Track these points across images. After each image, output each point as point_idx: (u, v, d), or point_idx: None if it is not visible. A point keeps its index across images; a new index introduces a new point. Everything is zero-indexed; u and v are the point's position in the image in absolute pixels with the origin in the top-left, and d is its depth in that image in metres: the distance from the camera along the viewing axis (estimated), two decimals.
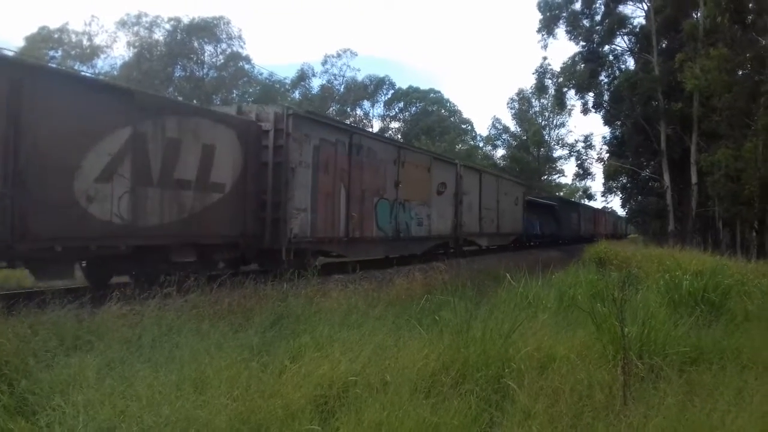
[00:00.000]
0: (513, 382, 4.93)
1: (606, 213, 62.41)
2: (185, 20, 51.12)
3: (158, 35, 51.00)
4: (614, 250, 23.46)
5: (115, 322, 6.30)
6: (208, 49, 53.57)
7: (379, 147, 16.56)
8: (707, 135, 32.01)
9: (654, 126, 35.80)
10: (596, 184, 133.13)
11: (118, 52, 52.32)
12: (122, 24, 50.73)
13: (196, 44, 52.15)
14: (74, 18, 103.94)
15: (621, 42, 41.01)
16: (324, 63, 63.77)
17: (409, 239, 17.99)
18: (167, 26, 50.78)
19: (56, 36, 50.59)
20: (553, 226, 38.53)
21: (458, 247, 22.15)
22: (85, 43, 51.74)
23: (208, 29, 51.92)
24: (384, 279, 12.80)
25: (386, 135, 53.08)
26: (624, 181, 44.19)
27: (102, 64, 51.53)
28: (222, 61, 53.99)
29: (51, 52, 48.96)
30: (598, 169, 49.14)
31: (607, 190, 47.30)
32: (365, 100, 67.11)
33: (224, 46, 54.11)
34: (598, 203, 58.26)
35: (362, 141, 15.38)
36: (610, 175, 43.13)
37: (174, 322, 6.46)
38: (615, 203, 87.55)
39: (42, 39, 49.20)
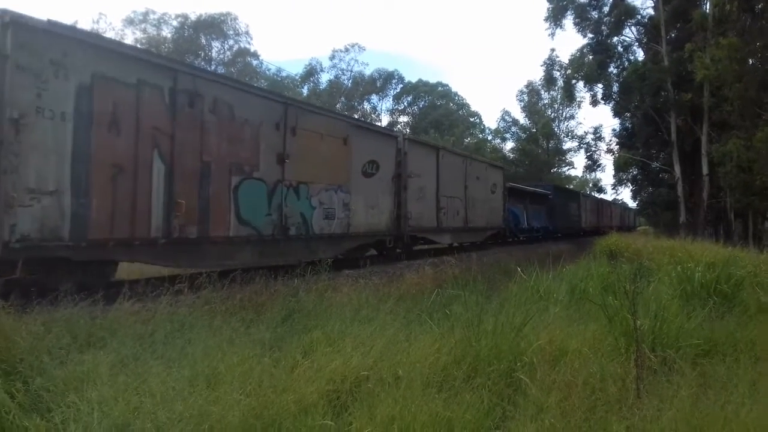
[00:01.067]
0: (525, 375, 4.92)
1: (612, 204, 60.11)
2: (192, 17, 51.31)
3: (166, 32, 51.23)
4: (625, 242, 23.31)
5: (128, 318, 6.33)
6: (216, 45, 53.73)
7: (243, 101, 10.81)
8: (718, 125, 31.86)
9: (664, 117, 35.66)
10: (606, 176, 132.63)
11: None
12: (129, 21, 50.95)
13: (203, 41, 52.27)
14: (83, 16, 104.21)
15: (629, 33, 40.93)
16: (332, 58, 63.89)
17: (310, 238, 12.62)
18: (175, 23, 50.98)
19: None
20: (546, 219, 33.77)
21: (405, 247, 16.79)
22: None
23: (215, 25, 52.04)
24: (394, 274, 12.79)
25: (395, 128, 52.95)
26: (634, 172, 44.08)
27: None
28: (230, 57, 54.08)
29: None
30: (608, 161, 49.04)
31: (618, 182, 47.23)
32: (374, 94, 67.09)
33: (231, 42, 54.25)
34: (608, 195, 57.85)
35: (202, 88, 9.89)
36: (620, 167, 43.07)
37: (186, 319, 6.50)
38: (625, 195, 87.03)
39: None
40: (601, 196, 56.73)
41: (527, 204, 30.92)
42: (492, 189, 24.51)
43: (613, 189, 50.22)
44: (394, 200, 16.10)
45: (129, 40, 49.35)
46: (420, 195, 17.69)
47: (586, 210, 44.27)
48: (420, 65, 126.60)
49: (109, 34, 51.23)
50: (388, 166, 15.88)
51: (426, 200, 18.10)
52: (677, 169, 34.99)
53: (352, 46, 63.88)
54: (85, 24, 50.47)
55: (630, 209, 68.75)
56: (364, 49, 65.18)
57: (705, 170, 32.97)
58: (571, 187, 63.61)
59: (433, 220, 18.66)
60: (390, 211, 15.86)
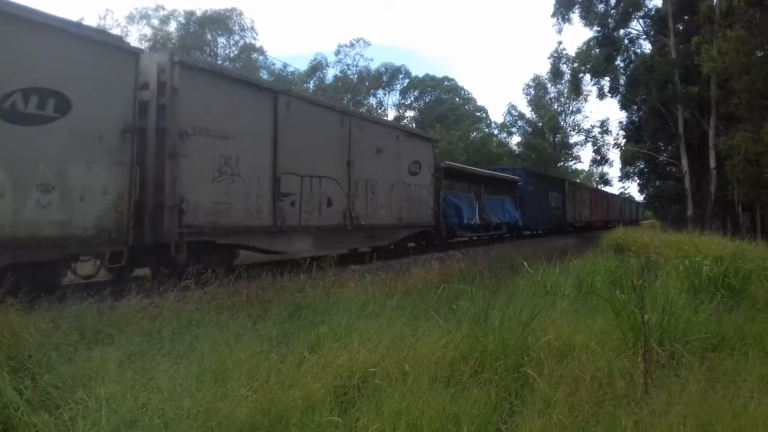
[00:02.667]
0: (532, 370, 4.92)
1: (611, 195, 55.47)
2: (198, 13, 51.35)
3: (172, 28, 51.28)
4: (632, 236, 23.24)
5: (135, 315, 6.36)
6: (221, 41, 53.69)
7: None
8: (726, 118, 31.65)
9: (671, 110, 35.46)
10: (614, 170, 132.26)
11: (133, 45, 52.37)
12: (131, 19, 50.97)
13: (209, 36, 52.26)
14: (89, 12, 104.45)
15: (636, 25, 40.59)
16: (337, 53, 63.70)
17: None
18: (181, 19, 51.04)
19: None
20: (513, 212, 26.34)
21: (184, 265, 8.97)
22: None
23: (220, 21, 52.00)
24: (401, 269, 12.79)
25: (402, 123, 52.73)
26: (641, 166, 43.88)
27: None
28: (236, 52, 54.03)
29: None
30: (615, 155, 48.63)
31: (625, 176, 47.02)
32: (380, 89, 66.91)
33: (237, 37, 54.21)
34: (615, 189, 57.14)
35: None
36: (627, 161, 42.85)
37: (193, 314, 6.53)
38: (632, 189, 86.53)
39: None
40: (602, 187, 55.76)
41: (481, 192, 23.62)
42: (412, 169, 17.07)
43: (620, 182, 49.98)
44: (132, 176, 8.70)
45: (134, 36, 49.51)
46: (225, 170, 10.31)
47: (573, 201, 38.59)
48: (425, 60, 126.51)
49: (115, 31, 51.36)
50: (99, 106, 8.21)
51: (241, 180, 10.61)
52: (684, 162, 34.79)
53: (357, 41, 63.66)
54: (91, 20, 50.67)
55: (633, 201, 66.98)
56: (369, 44, 64.84)
57: (712, 163, 32.77)
58: (578, 180, 63.01)
59: (264, 215, 11.15)
60: (115, 196, 8.39)
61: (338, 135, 13.69)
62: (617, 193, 59.65)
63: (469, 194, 22.39)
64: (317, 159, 12.75)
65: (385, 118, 56.25)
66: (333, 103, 16.94)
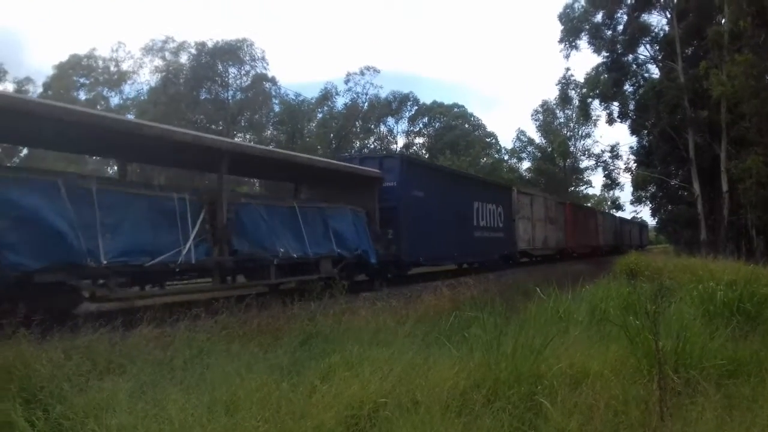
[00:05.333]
0: (546, 399, 4.86)
1: (600, 213, 47.81)
2: (210, 44, 52.03)
3: (184, 59, 51.94)
4: (645, 261, 23.03)
5: (147, 344, 6.36)
6: (232, 71, 54.25)
7: None
8: (737, 142, 31.54)
9: (682, 134, 35.38)
10: (625, 195, 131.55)
11: (145, 77, 53.10)
12: (147, 50, 51.72)
13: (220, 67, 52.85)
14: (101, 44, 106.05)
15: (644, 51, 40.75)
16: (347, 81, 64.02)
17: None
18: (193, 51, 51.70)
19: (84, 62, 51.78)
20: (356, 237, 14.54)
21: None
22: (113, 69, 52.94)
23: (232, 52, 52.59)
24: (412, 296, 12.75)
25: (411, 151, 52.57)
26: (653, 190, 43.66)
27: (129, 90, 52.85)
28: (248, 82, 54.52)
29: (82, 79, 50.26)
30: (626, 179, 48.20)
31: (636, 200, 46.75)
32: (389, 117, 67.13)
33: (248, 67, 54.76)
34: (627, 213, 56.16)
35: None
36: (638, 185, 42.61)
37: (204, 344, 6.52)
38: (645, 213, 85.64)
39: (71, 66, 50.45)
40: (613, 212, 54.60)
41: (222, 191, 11.20)
42: None
43: (632, 206, 49.41)
44: None
45: (147, 68, 50.26)
46: None
47: (531, 219, 27.73)
48: (434, 86, 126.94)
49: (128, 63, 52.15)
50: None
51: None
52: (696, 186, 34.64)
53: (368, 69, 63.94)
54: (104, 52, 51.50)
55: (636, 223, 63.54)
56: (379, 72, 64.98)
57: (725, 187, 32.56)
58: (590, 204, 62.14)
59: None
60: None
61: None
62: (612, 212, 55.51)
63: (163, 195, 10.28)
64: None
65: (395, 146, 56.59)
66: None
